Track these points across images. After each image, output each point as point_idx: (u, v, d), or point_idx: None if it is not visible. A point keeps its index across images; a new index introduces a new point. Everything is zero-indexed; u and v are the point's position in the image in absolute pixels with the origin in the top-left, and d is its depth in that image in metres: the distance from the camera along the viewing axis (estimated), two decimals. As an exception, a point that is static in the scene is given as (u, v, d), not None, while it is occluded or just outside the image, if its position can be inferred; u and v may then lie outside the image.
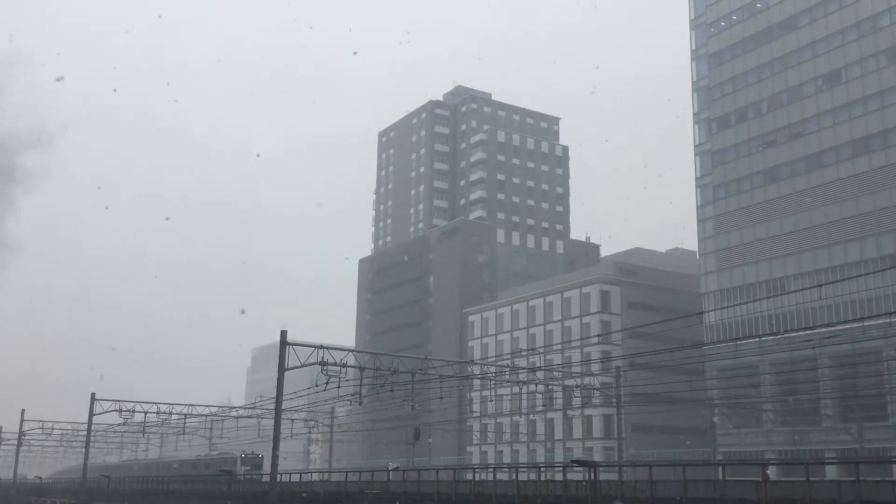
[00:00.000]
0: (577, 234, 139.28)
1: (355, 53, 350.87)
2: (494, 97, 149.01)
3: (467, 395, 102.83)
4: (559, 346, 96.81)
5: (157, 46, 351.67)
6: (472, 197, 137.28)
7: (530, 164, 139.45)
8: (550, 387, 72.37)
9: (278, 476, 44.41)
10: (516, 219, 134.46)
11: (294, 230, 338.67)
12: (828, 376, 76.96)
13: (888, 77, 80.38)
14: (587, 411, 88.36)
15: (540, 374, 68.64)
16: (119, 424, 73.09)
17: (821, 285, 70.06)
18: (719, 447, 78.97)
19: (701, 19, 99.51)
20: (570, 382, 67.94)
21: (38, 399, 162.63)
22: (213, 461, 79.46)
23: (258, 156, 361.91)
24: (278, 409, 42.25)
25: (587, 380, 66.29)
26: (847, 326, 66.37)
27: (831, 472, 58.18)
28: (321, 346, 42.50)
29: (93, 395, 68.19)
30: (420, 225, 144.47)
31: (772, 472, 49.54)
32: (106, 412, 67.58)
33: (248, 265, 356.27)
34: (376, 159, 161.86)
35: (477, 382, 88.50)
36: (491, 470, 49.75)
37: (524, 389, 68.26)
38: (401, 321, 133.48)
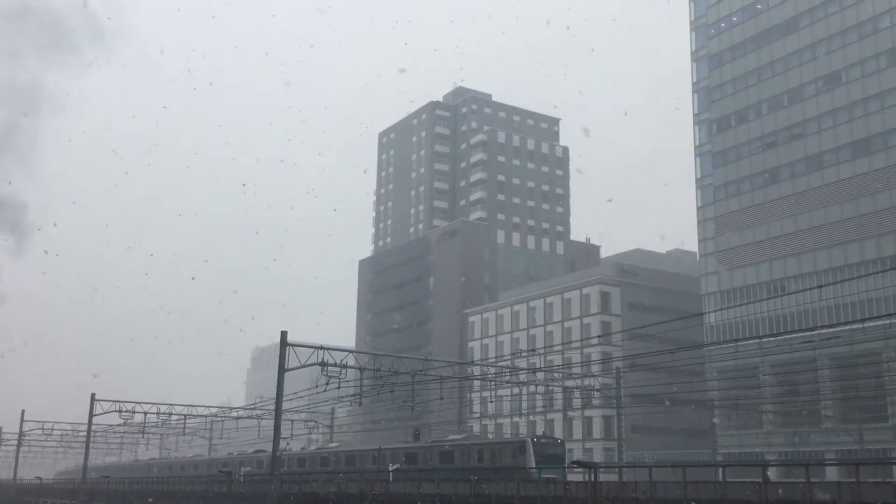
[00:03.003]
0: (577, 235, 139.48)
1: (357, 53, 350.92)
2: (495, 98, 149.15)
3: (467, 396, 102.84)
4: (559, 347, 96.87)
5: (157, 45, 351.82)
6: (473, 198, 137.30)
7: (530, 165, 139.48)
8: (550, 388, 72.43)
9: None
10: (516, 220, 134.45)
11: (294, 231, 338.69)
12: (828, 377, 76.95)
13: (888, 78, 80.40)
14: (587, 412, 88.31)
15: (540, 375, 68.63)
16: (119, 425, 73.19)
17: (821, 286, 70.05)
18: (719, 448, 78.97)
19: (701, 20, 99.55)
20: (570, 383, 67.95)
21: (38, 399, 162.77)
22: (461, 447, 56.23)
23: (258, 160, 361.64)
24: (278, 410, 42.25)
25: (587, 381, 66.29)
26: (847, 328, 66.42)
27: (831, 474, 58.22)
28: (321, 347, 42.55)
29: (93, 395, 68.32)
30: (420, 226, 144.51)
31: (772, 474, 49.50)
32: (106, 413, 67.64)
33: (248, 265, 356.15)
34: (376, 160, 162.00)
35: (477, 383, 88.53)
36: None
37: (524, 390, 68.31)
38: (401, 322, 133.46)
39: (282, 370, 41.26)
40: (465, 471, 47.84)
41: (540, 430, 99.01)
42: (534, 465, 47.05)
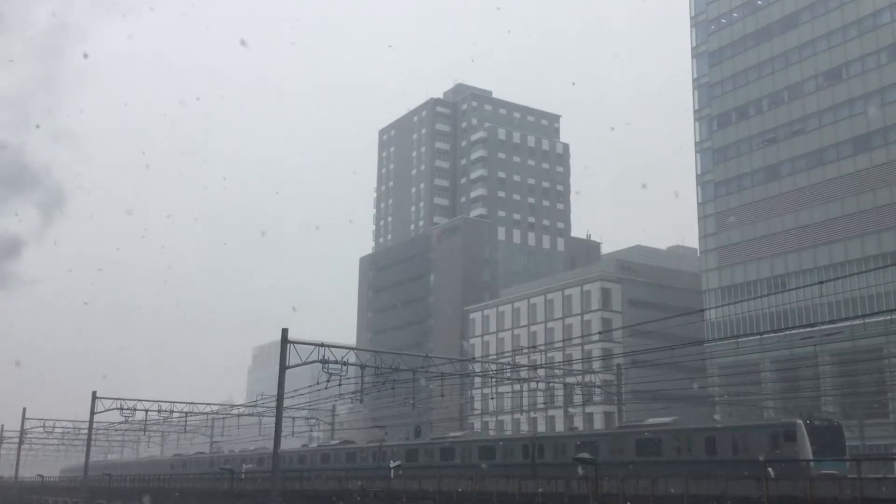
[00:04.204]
0: (577, 231, 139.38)
1: (358, 52, 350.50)
2: (495, 95, 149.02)
3: (468, 393, 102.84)
4: (560, 344, 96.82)
5: (157, 46, 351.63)
6: (473, 195, 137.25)
7: (531, 162, 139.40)
8: (551, 384, 72.38)
9: None
10: (517, 216, 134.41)
11: (295, 228, 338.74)
12: (829, 374, 76.97)
13: (889, 74, 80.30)
14: (588, 409, 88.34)
15: (541, 372, 68.65)
16: (120, 423, 73.32)
17: (821, 282, 70.02)
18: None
19: (701, 17, 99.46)
20: (571, 380, 67.95)
21: (40, 397, 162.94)
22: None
23: (260, 159, 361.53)
24: (279, 407, 42.28)
25: (588, 377, 66.39)
26: (848, 324, 66.33)
27: (832, 470, 58.13)
28: (322, 345, 42.55)
29: (94, 393, 68.33)
30: (421, 223, 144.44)
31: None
32: (107, 410, 67.71)
33: (249, 263, 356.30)
34: (377, 157, 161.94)
35: (478, 380, 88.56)
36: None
37: (525, 387, 68.30)
38: (402, 319, 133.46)
39: (283, 368, 41.26)
40: (688, 465, 37.74)
41: (542, 427, 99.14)
42: (810, 456, 36.11)
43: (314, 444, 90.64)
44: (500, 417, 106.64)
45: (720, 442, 40.45)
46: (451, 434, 64.25)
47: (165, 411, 70.77)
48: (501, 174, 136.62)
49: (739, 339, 77.76)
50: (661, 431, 44.08)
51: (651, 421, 47.94)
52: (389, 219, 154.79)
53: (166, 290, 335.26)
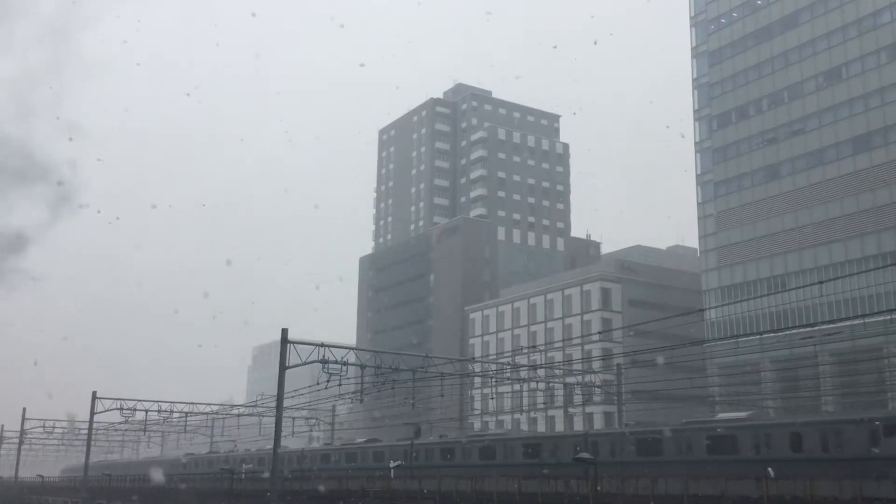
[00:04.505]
0: (577, 231, 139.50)
1: (362, 61, 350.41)
2: (495, 95, 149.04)
3: (468, 393, 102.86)
4: (560, 344, 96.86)
5: (154, 46, 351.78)
6: (473, 195, 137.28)
7: (531, 162, 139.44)
8: (551, 384, 72.41)
9: None
10: (517, 216, 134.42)
11: (295, 228, 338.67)
12: (829, 373, 76.98)
13: (889, 74, 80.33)
14: (588, 409, 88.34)
15: (541, 372, 68.68)
16: (120, 423, 73.37)
17: (821, 282, 70.05)
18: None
19: (701, 16, 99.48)
20: (571, 380, 67.97)
21: (40, 397, 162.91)
22: None
23: (258, 157, 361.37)
24: (279, 407, 42.30)
25: (588, 377, 66.41)
26: (848, 323, 66.36)
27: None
28: (322, 345, 42.56)
29: (94, 393, 68.37)
30: (421, 223, 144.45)
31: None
32: (107, 410, 67.73)
33: (248, 263, 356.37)
34: (377, 157, 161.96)
35: (478, 380, 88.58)
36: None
37: (525, 387, 68.26)
38: (402, 319, 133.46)
39: (283, 368, 41.27)
40: (769, 464, 31.98)
41: (542, 427, 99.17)
42: None
43: (315, 444, 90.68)
44: (500, 417, 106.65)
45: (808, 439, 36.85)
46: (492, 431, 61.69)
47: (165, 411, 70.85)
48: (501, 174, 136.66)
49: (739, 339, 77.74)
50: (736, 427, 40.05)
51: (722, 416, 44.49)
52: (389, 219, 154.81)
53: (166, 289, 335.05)
